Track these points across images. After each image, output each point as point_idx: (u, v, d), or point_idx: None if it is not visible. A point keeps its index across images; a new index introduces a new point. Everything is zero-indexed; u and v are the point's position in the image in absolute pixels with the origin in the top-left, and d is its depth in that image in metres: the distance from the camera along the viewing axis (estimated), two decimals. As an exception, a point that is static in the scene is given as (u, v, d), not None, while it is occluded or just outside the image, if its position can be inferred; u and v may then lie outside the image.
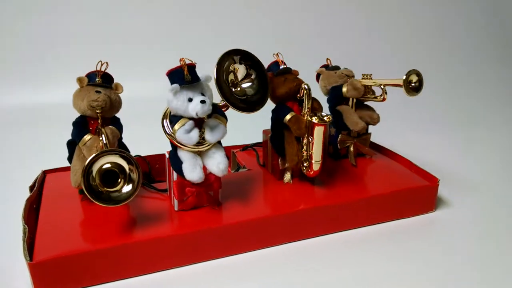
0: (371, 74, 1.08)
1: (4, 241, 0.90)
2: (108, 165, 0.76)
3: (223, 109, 0.89)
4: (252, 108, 0.90)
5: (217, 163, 0.83)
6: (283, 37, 2.29)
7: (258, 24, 2.29)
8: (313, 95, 0.94)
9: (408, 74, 0.99)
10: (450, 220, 1.01)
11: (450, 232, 0.96)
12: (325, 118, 0.90)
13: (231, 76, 0.90)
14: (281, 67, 0.99)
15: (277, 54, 1.01)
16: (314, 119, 0.90)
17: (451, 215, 1.03)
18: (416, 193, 1.00)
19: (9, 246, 0.87)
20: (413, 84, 1.00)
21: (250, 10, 2.28)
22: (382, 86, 1.05)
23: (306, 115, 0.93)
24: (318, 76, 1.18)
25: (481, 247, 0.90)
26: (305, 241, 0.91)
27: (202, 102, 0.78)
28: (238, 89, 0.91)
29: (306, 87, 0.93)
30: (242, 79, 0.92)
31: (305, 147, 0.94)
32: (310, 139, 0.92)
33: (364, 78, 1.09)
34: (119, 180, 0.78)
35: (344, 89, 1.08)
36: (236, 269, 0.82)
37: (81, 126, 0.88)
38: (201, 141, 0.82)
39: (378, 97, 1.08)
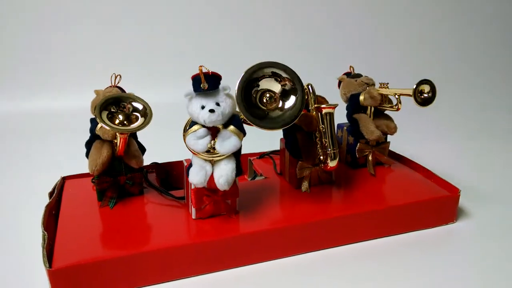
0: (387, 83, 1.07)
1: (24, 247, 0.91)
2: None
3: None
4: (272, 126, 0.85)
5: (218, 176, 0.81)
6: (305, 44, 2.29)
7: (277, 32, 2.29)
8: (333, 101, 0.94)
9: (419, 83, 0.97)
10: (471, 231, 0.99)
11: (471, 244, 0.94)
12: (331, 104, 0.91)
13: (266, 93, 0.86)
14: None
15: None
16: (322, 106, 0.90)
17: (473, 226, 1.01)
18: (436, 204, 0.98)
19: (29, 253, 0.88)
20: (425, 95, 0.98)
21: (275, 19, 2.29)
22: (396, 96, 1.04)
23: (313, 112, 0.93)
24: (339, 83, 1.17)
25: (503, 259, 0.88)
26: (323, 251, 0.90)
27: (211, 111, 0.79)
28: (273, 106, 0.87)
29: (310, 88, 0.93)
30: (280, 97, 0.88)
31: (319, 143, 0.94)
32: (322, 128, 0.91)
33: (381, 87, 1.08)
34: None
35: (361, 97, 1.07)
36: (253, 278, 0.82)
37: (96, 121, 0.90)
38: (211, 150, 0.82)
39: (394, 107, 1.07)
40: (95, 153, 0.89)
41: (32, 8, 1.97)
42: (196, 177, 0.81)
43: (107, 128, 0.80)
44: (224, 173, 0.81)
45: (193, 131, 0.81)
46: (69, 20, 2.02)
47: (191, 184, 0.85)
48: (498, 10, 2.68)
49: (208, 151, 0.81)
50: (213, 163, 0.83)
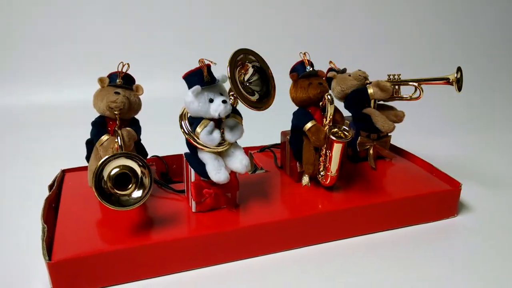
0: (399, 74, 1.07)
1: (23, 240, 0.91)
2: (117, 170, 0.76)
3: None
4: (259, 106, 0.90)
5: (240, 160, 0.83)
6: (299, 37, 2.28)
7: (272, 24, 2.28)
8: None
9: (458, 70, 1.02)
10: (472, 225, 0.98)
11: (472, 238, 0.93)
12: (346, 132, 0.89)
13: (240, 76, 0.90)
14: (307, 68, 0.94)
15: (304, 53, 0.95)
16: (333, 137, 0.88)
17: (474, 220, 1.00)
18: (437, 198, 0.98)
19: (28, 245, 0.88)
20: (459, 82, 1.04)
21: (267, 10, 2.27)
22: (416, 84, 1.05)
23: (326, 126, 0.91)
24: (328, 80, 1.14)
25: (504, 253, 0.88)
26: (323, 245, 0.90)
27: (224, 102, 0.78)
28: (246, 86, 0.92)
29: (330, 98, 0.90)
30: (249, 78, 0.92)
31: (322, 158, 0.93)
32: (328, 153, 0.91)
33: (390, 79, 1.07)
34: (131, 184, 0.77)
35: (371, 91, 1.06)
36: (253, 271, 0.82)
37: (99, 126, 0.89)
38: (221, 141, 0.82)
39: (412, 96, 1.08)
40: (95, 164, 0.87)
41: (32, 1, 1.96)
42: (220, 175, 0.81)
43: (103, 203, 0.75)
44: (242, 156, 0.83)
45: (204, 127, 0.80)
46: (68, 13, 2.01)
47: (191, 177, 0.85)
48: (498, 4, 2.66)
49: (220, 144, 0.82)
50: (219, 154, 0.83)
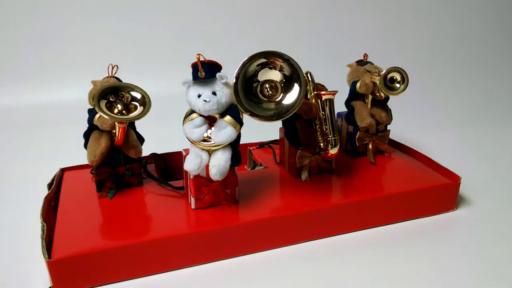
0: (381, 70, 1.07)
1: (23, 238, 0.91)
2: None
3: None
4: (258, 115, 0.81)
5: (211, 166, 0.81)
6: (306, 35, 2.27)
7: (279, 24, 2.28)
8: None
9: (388, 71, 0.99)
10: (471, 218, 0.98)
11: (471, 231, 0.94)
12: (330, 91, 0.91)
13: (266, 84, 0.82)
14: None
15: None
16: (322, 92, 0.90)
17: (473, 213, 1.00)
18: (437, 192, 0.98)
19: (28, 244, 0.88)
20: (397, 84, 1.00)
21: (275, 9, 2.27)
22: (378, 84, 1.02)
23: (312, 99, 0.93)
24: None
25: (503, 246, 0.88)
26: (323, 240, 0.90)
27: (205, 100, 0.78)
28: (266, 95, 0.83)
29: (308, 75, 0.92)
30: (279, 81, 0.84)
31: (319, 131, 0.93)
32: (322, 115, 0.91)
33: (374, 75, 1.07)
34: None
35: (357, 85, 1.07)
36: (253, 267, 0.82)
37: (95, 111, 0.89)
38: (208, 139, 0.81)
39: (377, 95, 1.07)
40: (94, 143, 0.89)
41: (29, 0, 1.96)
42: (190, 164, 0.80)
43: (106, 117, 0.79)
44: (217, 163, 0.80)
45: (191, 120, 0.80)
46: (65, 12, 2.00)
47: (190, 174, 0.85)
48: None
49: (204, 140, 0.81)
50: (210, 152, 0.83)
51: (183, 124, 0.82)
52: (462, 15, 2.61)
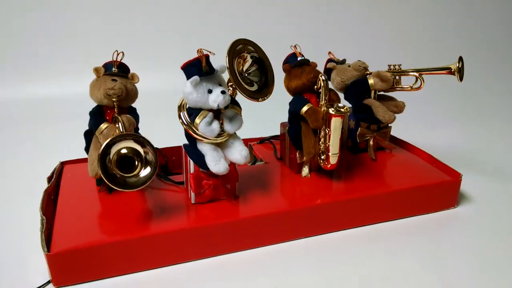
0: (400, 64, 1.06)
1: (22, 232, 0.90)
2: (124, 151, 0.75)
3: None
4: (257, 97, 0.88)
5: (239, 151, 0.82)
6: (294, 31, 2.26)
7: (269, 16, 2.27)
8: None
9: (459, 60, 1.01)
10: (472, 216, 0.98)
11: (472, 228, 0.93)
12: (342, 109, 0.89)
13: (239, 66, 0.88)
14: (299, 58, 0.97)
15: (295, 46, 0.99)
16: (331, 110, 0.88)
17: (474, 211, 1.00)
18: (437, 189, 0.98)
19: (27, 237, 0.88)
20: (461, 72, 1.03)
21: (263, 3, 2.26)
22: (417, 74, 1.05)
23: (323, 107, 0.91)
24: (328, 71, 1.13)
25: (504, 243, 0.88)
26: (323, 236, 0.90)
27: (223, 92, 0.78)
28: (245, 76, 0.90)
29: (324, 78, 0.91)
30: (248, 68, 0.91)
31: (322, 140, 0.93)
32: (327, 131, 0.90)
33: (390, 70, 1.06)
34: (136, 164, 0.76)
35: (371, 81, 1.05)
36: (253, 263, 0.82)
37: (97, 115, 0.88)
38: (220, 132, 0.81)
39: (413, 86, 1.07)
40: (95, 154, 0.86)
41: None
42: (219, 166, 0.80)
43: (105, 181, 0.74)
44: (241, 147, 0.83)
45: (203, 117, 0.79)
46: (65, 5, 1.99)
47: (190, 168, 0.85)
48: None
49: (219, 135, 0.81)
50: (218, 145, 0.83)
51: (180, 114, 0.82)
52: (464, 10, 2.59)
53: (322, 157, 0.94)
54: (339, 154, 0.92)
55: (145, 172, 0.77)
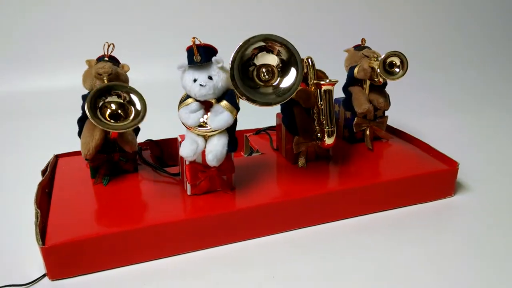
0: (379, 55, 1.05)
1: (17, 225, 0.90)
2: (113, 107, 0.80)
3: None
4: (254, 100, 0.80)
5: (207, 151, 0.80)
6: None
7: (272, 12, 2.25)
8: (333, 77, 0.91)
9: (387, 55, 0.97)
10: (469, 205, 0.98)
11: (469, 217, 0.93)
12: (331, 81, 0.89)
13: (263, 68, 0.81)
14: None
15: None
16: (321, 82, 0.89)
17: (471, 199, 1.00)
18: (434, 178, 0.97)
19: (22, 231, 0.87)
20: (396, 69, 0.99)
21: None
22: (377, 68, 1.00)
23: (312, 86, 0.91)
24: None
25: (500, 232, 0.88)
26: (320, 226, 0.90)
27: (201, 84, 0.77)
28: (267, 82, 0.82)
29: (309, 61, 0.91)
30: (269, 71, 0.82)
31: (316, 119, 0.92)
32: (320, 105, 0.90)
33: (372, 60, 1.05)
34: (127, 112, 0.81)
35: (355, 70, 1.06)
36: (249, 254, 0.81)
37: None
38: (204, 124, 0.80)
39: (376, 80, 1.04)
40: (88, 135, 0.87)
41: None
42: (186, 150, 0.79)
43: (97, 125, 0.78)
44: (214, 149, 0.80)
45: (186, 105, 0.79)
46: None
47: (186, 160, 0.84)
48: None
49: (201, 126, 0.80)
50: (206, 138, 0.81)
51: (178, 109, 0.81)
52: (459, 1, 2.59)
53: (319, 135, 0.93)
54: (335, 130, 0.91)
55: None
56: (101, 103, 0.80)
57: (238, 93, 0.78)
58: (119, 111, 0.81)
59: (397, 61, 0.98)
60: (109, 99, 0.81)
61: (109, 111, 0.81)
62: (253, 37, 0.78)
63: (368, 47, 1.12)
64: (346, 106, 1.10)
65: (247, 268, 0.77)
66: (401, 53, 0.98)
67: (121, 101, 0.82)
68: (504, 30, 2.65)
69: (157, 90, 1.63)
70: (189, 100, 0.79)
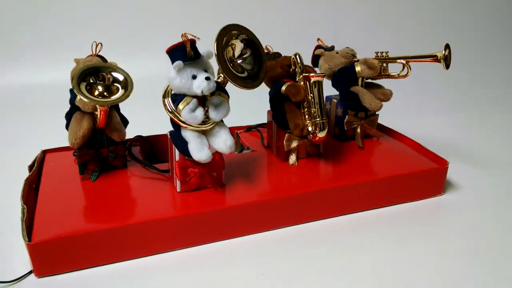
0: (387, 52, 1.06)
1: (3, 221, 0.88)
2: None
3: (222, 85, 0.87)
4: (247, 84, 0.87)
5: (223, 140, 0.80)
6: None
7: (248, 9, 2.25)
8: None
9: (446, 48, 1.01)
10: (458, 203, 0.99)
11: (458, 216, 0.94)
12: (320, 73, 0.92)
13: (229, 53, 0.86)
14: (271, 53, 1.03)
15: (265, 46, 1.02)
16: (310, 75, 0.91)
17: (460, 198, 1.01)
18: (424, 176, 0.98)
19: (8, 227, 0.85)
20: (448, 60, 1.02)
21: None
22: (404, 62, 1.04)
23: (301, 81, 0.92)
24: (316, 58, 1.12)
25: (489, 230, 0.88)
26: (310, 224, 0.89)
27: (207, 78, 0.76)
28: (235, 65, 0.88)
29: (297, 57, 0.93)
30: (239, 56, 0.89)
31: (307, 113, 0.93)
32: (310, 98, 0.91)
33: (378, 57, 1.06)
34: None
35: (358, 68, 1.04)
36: (240, 251, 0.81)
37: None
38: (205, 119, 0.80)
39: (400, 74, 1.06)
40: (75, 125, 0.86)
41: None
42: (202, 153, 0.78)
43: (85, 100, 0.77)
44: (226, 137, 0.81)
45: (187, 104, 0.77)
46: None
47: (175, 156, 0.83)
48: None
49: (203, 122, 0.80)
50: (203, 132, 0.81)
51: (164, 101, 0.80)
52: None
53: (310, 129, 0.93)
54: (326, 122, 0.92)
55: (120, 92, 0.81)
56: (87, 86, 0.80)
57: (229, 78, 0.82)
58: (105, 93, 0.81)
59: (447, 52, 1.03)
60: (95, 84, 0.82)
61: (96, 92, 0.80)
62: (224, 27, 0.84)
63: (333, 46, 1.13)
64: (355, 108, 1.09)
65: (237, 266, 0.77)
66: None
67: (107, 83, 0.82)
68: (496, 28, 2.67)
69: (146, 85, 1.62)
70: (188, 98, 0.78)
